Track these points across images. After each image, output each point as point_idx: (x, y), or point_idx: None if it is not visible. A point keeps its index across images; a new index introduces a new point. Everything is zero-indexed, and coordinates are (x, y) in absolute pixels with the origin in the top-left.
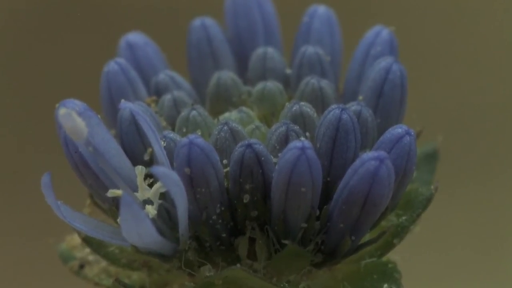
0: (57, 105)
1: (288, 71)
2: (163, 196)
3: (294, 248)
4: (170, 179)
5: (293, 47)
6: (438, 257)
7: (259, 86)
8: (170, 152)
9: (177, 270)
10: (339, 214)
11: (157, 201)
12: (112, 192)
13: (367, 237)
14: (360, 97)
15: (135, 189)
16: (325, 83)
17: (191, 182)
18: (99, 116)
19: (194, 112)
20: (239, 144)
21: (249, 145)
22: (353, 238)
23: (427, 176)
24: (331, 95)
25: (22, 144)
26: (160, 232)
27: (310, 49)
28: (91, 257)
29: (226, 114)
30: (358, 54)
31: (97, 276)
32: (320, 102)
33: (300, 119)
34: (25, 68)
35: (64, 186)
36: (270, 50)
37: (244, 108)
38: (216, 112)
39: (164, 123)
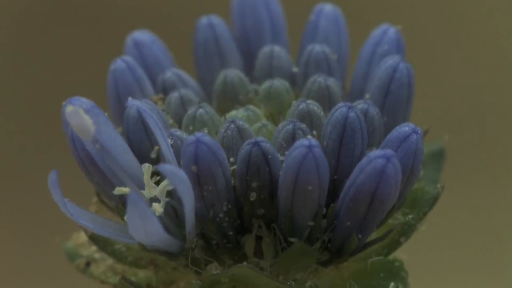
0: (64, 102)
1: (295, 69)
2: (170, 194)
3: (301, 246)
4: (177, 177)
5: (299, 45)
6: (445, 255)
7: (266, 84)
8: (177, 150)
9: (184, 268)
10: (346, 212)
11: (164, 199)
12: (119, 190)
13: (373, 235)
14: (367, 96)
15: (142, 187)
16: (332, 82)
17: (198, 180)
18: (106, 113)
19: (201, 110)
20: (246, 142)
21: (256, 143)
22: (360, 236)
23: (433, 175)
24: (338, 94)
25: (29, 142)
26: (167, 230)
27: (317, 48)
28: (97, 255)
29: (233, 112)
30: (365, 53)
31: (104, 274)
32: (327, 100)
33: (307, 117)
34: (32, 65)
35: (71, 184)
36: (277, 48)
37: (251, 106)
38: (223, 110)
39: (171, 121)
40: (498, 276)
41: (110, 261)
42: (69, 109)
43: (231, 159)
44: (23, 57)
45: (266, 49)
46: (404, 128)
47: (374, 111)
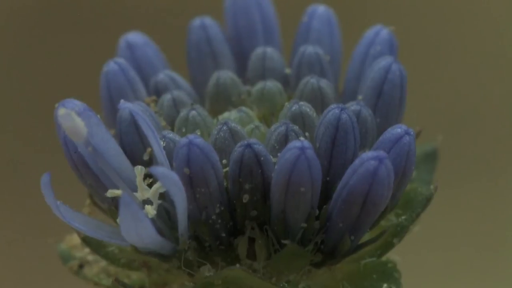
0: (56, 105)
1: (288, 70)
2: (163, 196)
3: (294, 248)
4: (170, 179)
5: (292, 46)
6: (438, 256)
7: (259, 85)
8: (169, 152)
9: (177, 270)
10: (339, 214)
11: (156, 201)
12: (111, 192)
13: (366, 236)
14: (360, 97)
15: (134, 189)
16: (324, 83)
17: (191, 182)
18: (98, 116)
19: (193, 112)
20: (239, 144)
21: (249, 145)
22: (352, 237)
23: (426, 176)
24: (331, 95)
25: (22, 144)
26: (160, 232)
27: (309, 49)
28: (90, 257)
29: (226, 114)
30: (358, 54)
31: (97, 276)
32: (319, 101)
33: (300, 119)
34: (25, 68)
35: (63, 186)
36: (270, 50)
37: (243, 108)
38: (215, 112)
39: (163, 123)
40: (494, 276)
41: (103, 263)
42: (61, 111)
43: (224, 161)
44: (16, 59)
45: (258, 50)
46: (397, 129)
47: (366, 112)
